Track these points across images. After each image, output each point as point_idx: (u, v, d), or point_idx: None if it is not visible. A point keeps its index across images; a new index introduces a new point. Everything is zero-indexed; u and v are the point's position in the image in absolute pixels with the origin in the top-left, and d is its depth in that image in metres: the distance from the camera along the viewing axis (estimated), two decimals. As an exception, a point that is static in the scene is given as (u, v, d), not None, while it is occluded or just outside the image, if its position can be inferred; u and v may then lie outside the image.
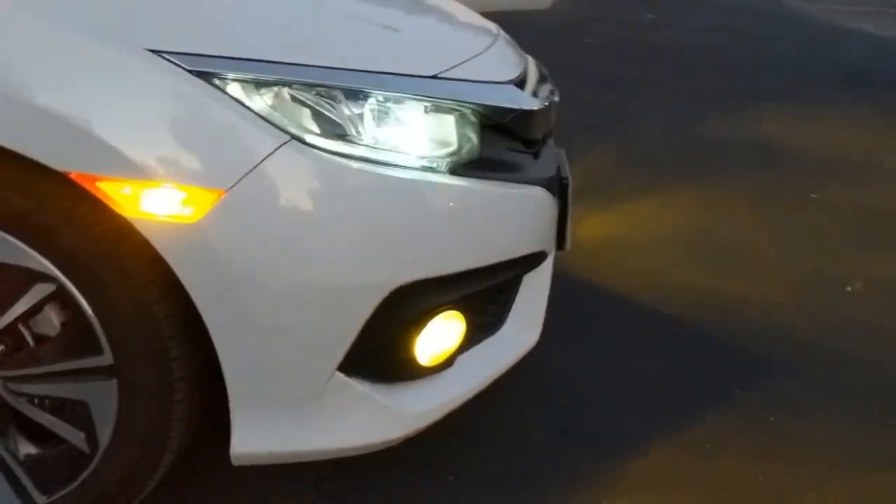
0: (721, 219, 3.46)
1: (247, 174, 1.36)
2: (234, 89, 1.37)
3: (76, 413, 1.52)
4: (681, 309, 2.68)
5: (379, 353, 1.52)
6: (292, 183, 1.39)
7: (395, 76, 1.53)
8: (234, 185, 1.35)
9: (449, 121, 1.56)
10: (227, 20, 1.47)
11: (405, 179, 1.47)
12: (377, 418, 1.57)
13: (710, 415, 2.18)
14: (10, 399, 1.52)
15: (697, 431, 2.10)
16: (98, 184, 1.34)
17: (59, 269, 1.41)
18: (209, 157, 1.36)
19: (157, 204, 1.35)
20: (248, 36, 1.46)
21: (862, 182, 4.05)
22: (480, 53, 1.81)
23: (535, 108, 1.76)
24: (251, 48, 1.42)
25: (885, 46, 7.82)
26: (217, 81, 1.36)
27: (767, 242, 3.25)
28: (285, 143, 1.38)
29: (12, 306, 1.45)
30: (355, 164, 1.43)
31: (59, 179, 1.37)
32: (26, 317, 1.47)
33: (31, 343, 1.49)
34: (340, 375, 1.50)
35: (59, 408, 1.53)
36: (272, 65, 1.41)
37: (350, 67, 1.48)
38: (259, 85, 1.39)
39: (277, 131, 1.38)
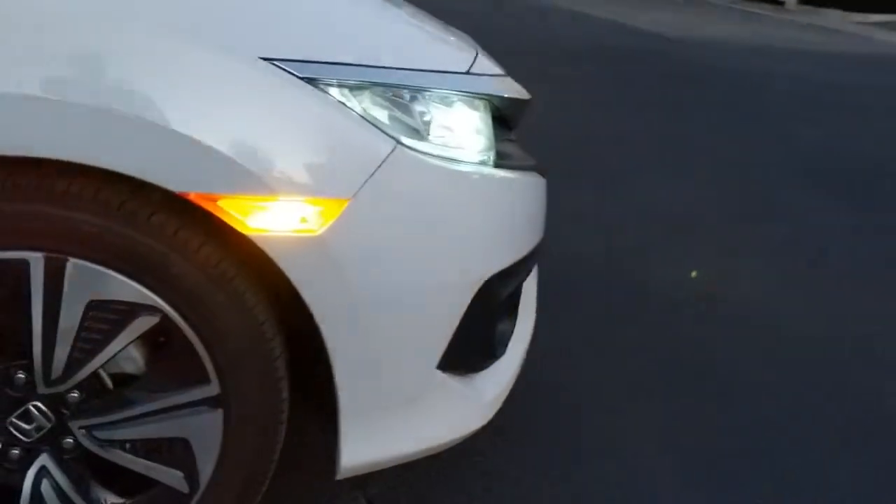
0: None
1: (367, 181, 1.36)
2: (341, 95, 1.37)
3: (173, 452, 1.43)
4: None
5: (468, 346, 1.57)
6: (403, 187, 1.41)
7: (442, 74, 1.56)
8: (356, 193, 1.35)
9: (481, 115, 1.62)
10: (315, 25, 1.44)
11: (480, 175, 1.54)
12: (464, 410, 1.62)
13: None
14: (95, 448, 1.39)
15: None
16: (220, 203, 1.29)
17: (164, 299, 1.32)
18: (330, 165, 1.35)
19: (279, 218, 1.32)
20: (340, 40, 1.44)
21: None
22: (478, 50, 1.89)
23: (529, 97, 1.87)
24: (348, 53, 1.41)
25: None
26: (324, 87, 1.35)
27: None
28: (395, 147, 1.40)
29: (108, 345, 1.34)
30: (446, 165, 1.48)
31: (165, 203, 1.29)
32: (133, 354, 1.36)
33: (123, 380, 1.38)
34: (438, 373, 1.54)
35: (154, 449, 1.42)
36: (368, 69, 1.42)
37: (418, 68, 1.51)
38: (361, 89, 1.39)
39: (385, 136, 1.40)
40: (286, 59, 1.33)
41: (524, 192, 1.70)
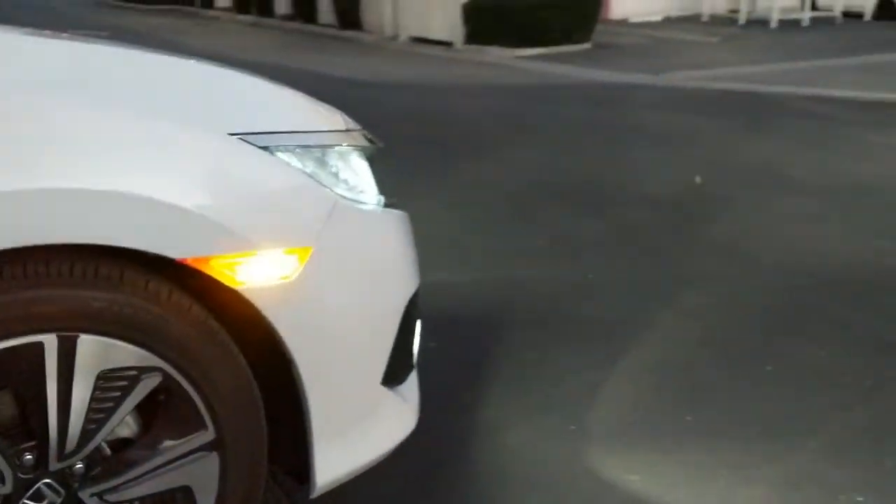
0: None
1: (323, 228, 1.60)
2: (288, 157, 1.59)
3: (176, 502, 1.54)
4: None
5: (398, 361, 1.84)
6: (346, 231, 1.67)
7: (337, 133, 1.83)
8: (317, 240, 1.58)
9: (366, 164, 1.91)
10: (253, 103, 1.64)
11: (390, 215, 1.83)
12: (402, 415, 1.89)
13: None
14: (97, 505, 1.47)
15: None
16: (212, 263, 1.46)
17: (164, 359, 1.46)
18: (295, 218, 1.57)
19: (262, 270, 1.51)
20: (272, 115, 1.66)
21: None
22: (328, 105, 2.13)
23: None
24: (281, 123, 1.64)
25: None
26: (274, 152, 1.57)
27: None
28: (337, 198, 1.65)
29: (118, 411, 1.43)
30: (365, 208, 1.75)
31: (159, 271, 1.43)
32: (136, 415, 1.46)
33: (129, 441, 1.48)
34: (382, 388, 1.80)
35: (160, 503, 1.52)
36: (298, 134, 1.65)
37: (325, 129, 1.77)
38: (301, 151, 1.63)
39: (326, 188, 1.64)
40: (246, 132, 1.54)
41: (408, 225, 2.01)
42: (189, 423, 1.51)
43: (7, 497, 1.39)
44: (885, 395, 2.66)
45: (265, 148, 1.56)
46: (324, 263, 1.59)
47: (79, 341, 1.37)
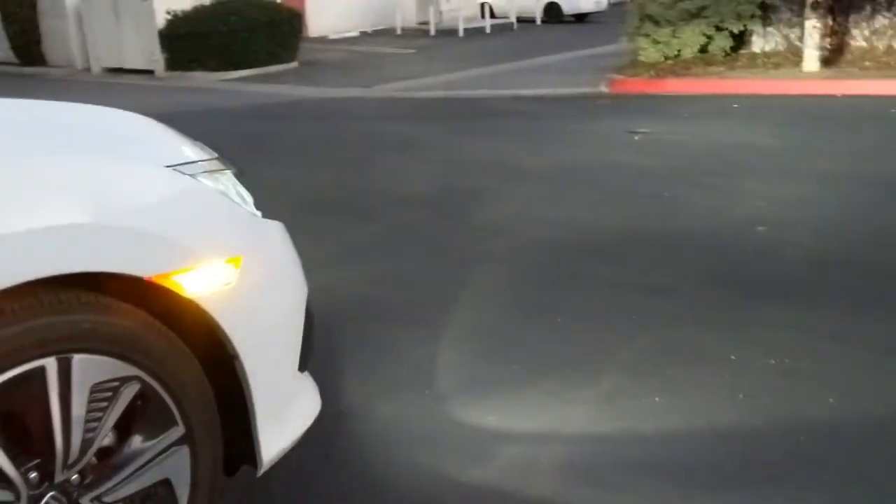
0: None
1: (246, 238, 1.87)
2: (208, 181, 1.84)
3: (159, 495, 1.72)
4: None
5: (305, 350, 2.13)
6: (259, 239, 1.93)
7: (216, 159, 2.08)
8: (245, 249, 1.84)
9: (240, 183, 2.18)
10: (165, 142, 1.84)
11: (278, 224, 2.11)
12: (314, 395, 2.18)
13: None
14: (107, 512, 1.63)
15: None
16: (172, 278, 1.67)
17: (140, 367, 1.65)
18: (227, 231, 1.82)
19: (209, 280, 1.75)
20: (181, 149, 1.88)
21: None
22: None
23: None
24: (192, 155, 1.87)
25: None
26: (198, 178, 1.81)
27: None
28: (246, 212, 1.91)
29: (108, 420, 1.60)
30: (261, 220, 2.02)
31: (130, 289, 1.63)
32: (120, 421, 1.63)
33: (116, 445, 1.65)
34: (299, 374, 2.08)
35: (147, 496, 1.70)
36: (206, 162, 1.89)
37: (212, 157, 2.02)
38: (211, 176, 1.87)
39: (237, 205, 1.90)
40: (175, 164, 1.77)
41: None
42: (163, 422, 1.71)
43: None
44: (650, 326, 3.35)
45: (192, 175, 1.79)
46: (252, 269, 1.85)
47: (73, 361, 1.54)
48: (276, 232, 2.04)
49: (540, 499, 2.27)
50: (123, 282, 1.62)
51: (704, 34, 10.86)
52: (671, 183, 5.69)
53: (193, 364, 1.76)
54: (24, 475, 1.52)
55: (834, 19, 10.11)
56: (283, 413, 2.00)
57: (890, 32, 10.01)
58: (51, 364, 1.51)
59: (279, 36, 18.31)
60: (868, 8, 10.11)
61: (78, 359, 1.55)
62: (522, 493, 2.30)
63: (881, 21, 10.07)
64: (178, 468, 1.76)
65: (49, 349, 1.51)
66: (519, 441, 2.57)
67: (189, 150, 1.93)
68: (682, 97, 9.65)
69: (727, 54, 10.96)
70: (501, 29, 23.72)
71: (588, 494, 2.29)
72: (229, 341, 1.81)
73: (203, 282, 1.74)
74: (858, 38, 10.21)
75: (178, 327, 1.74)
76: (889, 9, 9.98)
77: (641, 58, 11.34)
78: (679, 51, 11.06)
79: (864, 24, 10.18)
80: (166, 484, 1.74)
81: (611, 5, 26.67)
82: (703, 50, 10.98)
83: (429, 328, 3.42)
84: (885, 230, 4.42)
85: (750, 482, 2.30)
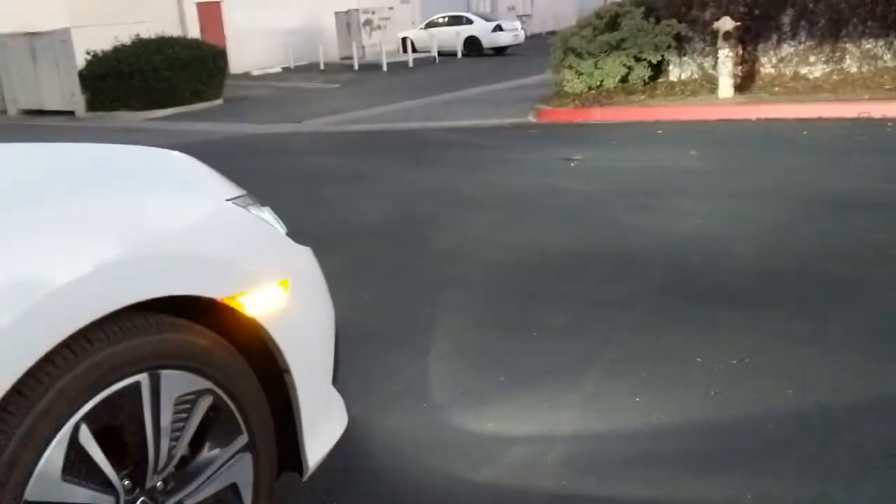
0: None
1: (291, 262, 2.06)
2: (256, 212, 2.03)
3: (227, 498, 1.89)
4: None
5: (336, 363, 2.32)
6: (300, 262, 2.13)
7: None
8: (292, 273, 2.04)
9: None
10: (216, 179, 2.04)
11: (308, 248, 2.31)
12: (342, 405, 2.36)
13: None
14: (180, 519, 1.79)
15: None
16: (238, 299, 1.86)
17: (212, 381, 1.83)
18: (278, 256, 2.01)
19: (266, 301, 1.94)
20: (221, 179, 2.07)
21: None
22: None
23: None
24: (233, 191, 2.06)
25: None
26: (251, 209, 2.01)
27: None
28: (289, 238, 2.11)
29: (188, 430, 1.77)
30: (299, 245, 2.22)
31: (203, 310, 1.81)
32: (201, 431, 1.80)
33: (193, 457, 1.81)
34: (332, 386, 2.27)
35: (219, 500, 1.86)
36: (246, 196, 2.09)
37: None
38: (256, 207, 2.07)
39: (281, 232, 2.10)
40: (232, 198, 1.96)
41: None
42: (231, 431, 1.88)
43: None
44: (617, 336, 3.64)
45: (244, 207, 1.99)
46: (297, 291, 2.05)
47: (162, 376, 1.71)
48: (309, 256, 2.24)
49: (549, 491, 2.50)
50: (198, 304, 1.80)
51: (625, 65, 11.44)
52: (613, 205, 6.05)
53: (253, 378, 1.94)
54: (122, 481, 1.67)
55: (744, 48, 10.80)
56: (323, 422, 2.19)
57: (795, 59, 10.74)
58: (144, 379, 1.68)
59: (203, 73, 18.30)
60: (774, 37, 10.84)
61: (165, 374, 1.72)
62: (532, 487, 2.53)
63: (787, 49, 10.80)
64: (243, 473, 1.93)
65: (142, 366, 1.67)
66: (519, 442, 2.80)
67: (232, 185, 2.12)
68: (608, 125, 10.15)
69: (646, 83, 11.56)
70: (424, 63, 24.22)
71: (590, 485, 2.53)
72: (281, 356, 1.99)
73: (261, 303, 1.92)
74: (767, 65, 10.92)
75: (240, 345, 1.92)
76: (794, 38, 10.72)
77: (566, 88, 11.85)
78: (601, 81, 11.61)
79: (771, 53, 10.90)
80: (233, 487, 1.91)
81: (528, 38, 27.55)
82: (624, 80, 11.56)
83: (413, 348, 3.63)
84: (812, 241, 4.83)
85: (730, 466, 2.58)
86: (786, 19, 10.73)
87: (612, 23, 11.75)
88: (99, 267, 1.58)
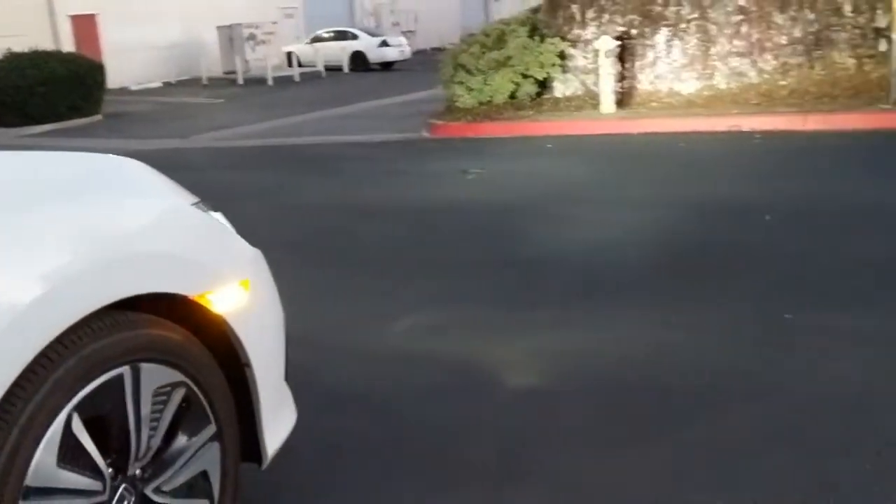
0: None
1: (249, 263, 2.19)
2: (216, 216, 2.16)
3: (198, 484, 2.00)
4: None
5: (286, 359, 2.45)
6: (256, 264, 2.26)
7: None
8: (250, 273, 2.17)
9: None
10: (172, 185, 2.14)
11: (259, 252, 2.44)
12: (292, 400, 2.49)
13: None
14: (163, 499, 1.89)
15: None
16: (207, 297, 1.98)
17: (185, 374, 1.94)
18: (240, 258, 2.14)
19: (231, 298, 2.06)
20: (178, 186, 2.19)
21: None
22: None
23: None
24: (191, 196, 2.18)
25: None
26: (212, 213, 2.13)
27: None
28: (243, 240, 2.24)
29: (164, 420, 1.88)
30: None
31: (177, 307, 1.92)
32: (175, 422, 1.91)
33: (167, 445, 1.92)
34: (284, 382, 2.40)
35: (191, 486, 1.97)
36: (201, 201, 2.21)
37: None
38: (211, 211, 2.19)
39: (238, 236, 2.23)
40: (194, 202, 2.08)
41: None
42: (201, 421, 1.99)
43: (103, 503, 1.75)
44: (538, 331, 3.89)
45: (206, 211, 2.11)
46: (255, 290, 2.18)
47: (142, 368, 1.81)
48: (261, 258, 2.37)
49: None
50: (172, 301, 1.91)
51: (513, 81, 11.87)
52: (516, 215, 6.35)
53: (220, 372, 2.06)
54: (108, 468, 1.77)
55: (623, 66, 11.41)
56: (279, 414, 2.32)
57: (670, 76, 11.43)
58: (126, 372, 1.78)
59: (81, 89, 17.71)
60: (651, 55, 11.51)
61: (145, 367, 1.83)
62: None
63: (662, 67, 11.48)
64: (212, 461, 2.04)
65: (125, 359, 1.78)
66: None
67: (186, 190, 2.23)
68: (500, 139, 10.52)
69: (534, 99, 12.03)
70: (310, 77, 24.21)
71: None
72: (244, 351, 2.12)
73: (226, 300, 2.05)
74: (644, 82, 11.57)
75: (206, 340, 2.04)
76: (668, 56, 11.41)
77: (458, 104, 12.18)
78: (491, 97, 12.00)
79: (648, 70, 11.56)
80: (204, 475, 2.02)
81: (414, 54, 27.96)
82: (513, 96, 11.99)
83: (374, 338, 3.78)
84: (696, 242, 5.26)
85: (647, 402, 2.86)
86: (660, 39, 11.41)
87: (499, 40, 12.17)
88: (88, 266, 1.68)
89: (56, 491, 1.64)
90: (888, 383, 3.16)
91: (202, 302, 1.98)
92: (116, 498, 1.79)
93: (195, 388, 1.98)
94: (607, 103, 10.94)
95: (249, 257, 2.22)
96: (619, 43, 11.10)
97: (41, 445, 1.60)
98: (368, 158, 10.03)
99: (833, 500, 2.42)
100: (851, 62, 10.42)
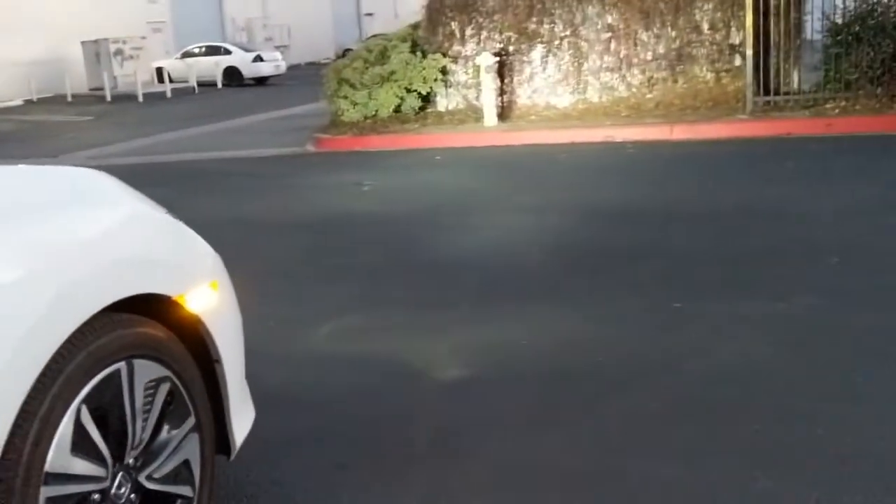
0: None
1: (216, 266, 2.35)
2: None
3: (181, 473, 2.14)
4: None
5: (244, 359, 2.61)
6: (220, 266, 2.42)
7: None
8: (218, 275, 2.33)
9: None
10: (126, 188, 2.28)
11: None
12: (250, 396, 2.65)
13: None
14: (153, 486, 2.03)
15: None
16: (184, 296, 2.13)
17: (169, 369, 2.09)
18: (208, 261, 2.31)
19: (203, 300, 2.22)
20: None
21: None
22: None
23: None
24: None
25: None
26: (178, 220, 2.29)
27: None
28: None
29: (153, 412, 2.02)
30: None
31: (159, 307, 2.07)
32: (162, 414, 2.05)
33: (154, 436, 2.06)
34: (244, 379, 2.56)
35: (176, 474, 2.11)
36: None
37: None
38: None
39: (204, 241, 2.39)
40: (165, 210, 2.23)
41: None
42: (183, 414, 2.14)
43: (105, 490, 1.88)
44: (450, 329, 4.16)
45: (177, 218, 2.26)
46: (222, 291, 2.34)
47: (135, 364, 1.95)
48: (221, 262, 2.53)
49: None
50: (154, 302, 2.06)
51: (397, 95, 12.16)
52: (416, 224, 6.61)
53: (196, 367, 2.22)
54: (109, 456, 1.90)
55: (503, 81, 11.91)
56: (242, 409, 2.48)
57: (546, 91, 12.02)
58: (123, 367, 1.92)
59: (-65, 106, 16.83)
60: (528, 71, 12.07)
61: (137, 363, 1.97)
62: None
63: (539, 82, 12.06)
64: (193, 450, 2.19)
65: (121, 355, 1.92)
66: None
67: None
68: (388, 152, 10.77)
69: (417, 113, 12.36)
70: (182, 93, 23.74)
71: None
72: (215, 348, 2.28)
73: (199, 301, 2.21)
74: (523, 96, 12.12)
75: (182, 338, 2.19)
76: (544, 71, 12.00)
77: (343, 118, 12.36)
78: (377, 111, 12.25)
79: (526, 85, 12.11)
80: (186, 463, 2.17)
81: (288, 69, 27.85)
82: (398, 109, 12.28)
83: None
84: (587, 243, 5.67)
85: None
86: (536, 55, 11.99)
87: (382, 56, 12.45)
88: (92, 271, 1.83)
89: (69, 477, 1.77)
90: (768, 357, 3.60)
91: (181, 302, 2.14)
92: (116, 484, 1.93)
93: (178, 383, 2.13)
94: (490, 116, 11.39)
95: (214, 260, 2.38)
96: (498, 59, 11.58)
97: (57, 434, 1.73)
98: (256, 173, 10.07)
99: (737, 457, 2.79)
100: (710, 76, 11.30)
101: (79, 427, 1.79)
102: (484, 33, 12.22)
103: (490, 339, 4.00)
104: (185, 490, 2.16)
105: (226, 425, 2.37)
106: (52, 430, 1.71)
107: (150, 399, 2.03)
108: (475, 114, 11.86)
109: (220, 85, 25.81)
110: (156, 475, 2.06)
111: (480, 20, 12.24)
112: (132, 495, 1.98)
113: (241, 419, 2.46)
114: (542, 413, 3.24)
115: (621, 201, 6.93)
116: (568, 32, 11.83)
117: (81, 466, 1.80)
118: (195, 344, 2.24)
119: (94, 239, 1.89)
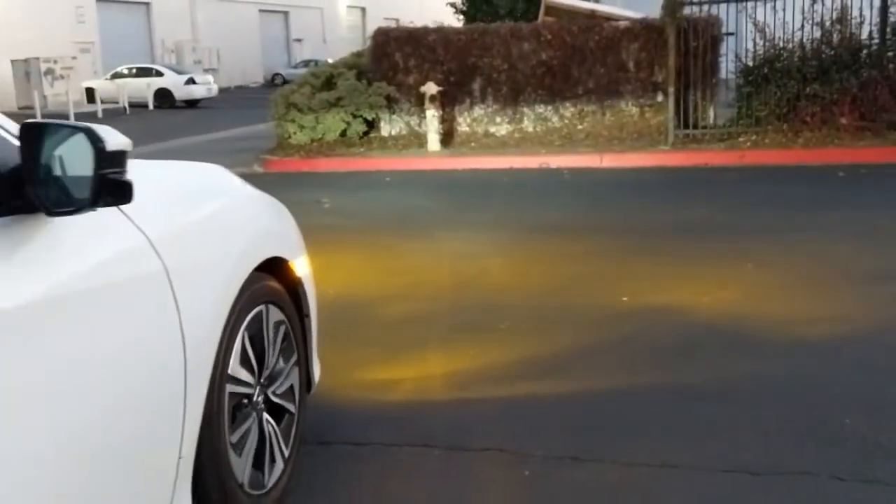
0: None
1: (302, 243, 3.06)
2: (283, 211, 3.02)
3: (290, 393, 2.82)
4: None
5: (309, 319, 3.30)
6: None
7: None
8: (305, 250, 3.04)
9: None
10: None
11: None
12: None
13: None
14: (279, 400, 2.71)
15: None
16: (294, 262, 2.83)
17: (285, 314, 2.78)
18: (301, 237, 3.00)
19: (303, 265, 2.93)
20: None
21: None
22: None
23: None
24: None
25: None
26: (281, 209, 2.99)
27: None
28: (299, 229, 3.11)
29: (276, 345, 2.71)
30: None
31: (279, 268, 2.76)
32: (280, 348, 2.74)
33: (277, 363, 2.75)
34: (313, 332, 3.26)
35: (287, 393, 2.80)
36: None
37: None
38: None
39: (294, 225, 3.10)
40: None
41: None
42: (291, 350, 2.83)
43: (250, 396, 2.55)
44: (428, 345, 4.89)
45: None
46: (307, 262, 3.05)
47: (270, 307, 2.64)
48: None
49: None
50: (276, 264, 2.75)
51: (344, 120, 12.88)
52: (381, 236, 7.33)
53: (297, 316, 2.91)
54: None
55: (444, 110, 12.78)
56: (316, 358, 3.18)
57: (486, 120, 12.96)
58: (263, 308, 2.61)
59: None
60: (468, 101, 12.98)
61: (270, 307, 2.66)
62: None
63: (478, 111, 12.99)
64: (295, 379, 2.88)
65: (263, 300, 2.61)
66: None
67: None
68: (337, 173, 11.45)
69: (362, 137, 13.10)
70: (114, 114, 23.77)
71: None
72: (308, 304, 2.98)
73: (300, 266, 2.92)
74: (464, 124, 13.02)
75: (288, 294, 2.89)
76: (483, 101, 12.94)
77: (291, 140, 12.99)
78: (323, 134, 12.94)
79: (466, 114, 13.03)
80: (291, 388, 2.85)
81: (220, 92, 28.16)
82: (344, 133, 12.99)
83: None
84: (538, 255, 6.51)
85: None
86: (476, 86, 12.92)
87: (328, 83, 13.16)
88: (250, 238, 2.54)
89: (238, 381, 2.45)
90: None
91: (292, 266, 2.84)
92: (257, 392, 2.60)
93: (289, 327, 2.82)
94: (433, 142, 12.22)
95: (301, 237, 3.09)
96: (440, 89, 12.44)
97: (235, 346, 2.41)
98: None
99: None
100: (636, 110, 12.44)
101: (243, 346, 2.47)
102: (426, 65, 13.07)
103: (464, 350, 4.76)
104: (291, 407, 2.84)
105: (309, 367, 3.07)
106: (232, 342, 2.39)
107: (275, 335, 2.71)
108: (418, 139, 12.67)
109: (151, 106, 25.95)
110: (277, 392, 2.74)
111: (423, 52, 13.09)
112: (263, 405, 2.66)
113: (316, 364, 3.16)
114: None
115: (567, 219, 7.81)
116: (506, 66, 12.80)
117: (245, 375, 2.48)
118: (295, 300, 2.93)
119: (247, 216, 2.60)
